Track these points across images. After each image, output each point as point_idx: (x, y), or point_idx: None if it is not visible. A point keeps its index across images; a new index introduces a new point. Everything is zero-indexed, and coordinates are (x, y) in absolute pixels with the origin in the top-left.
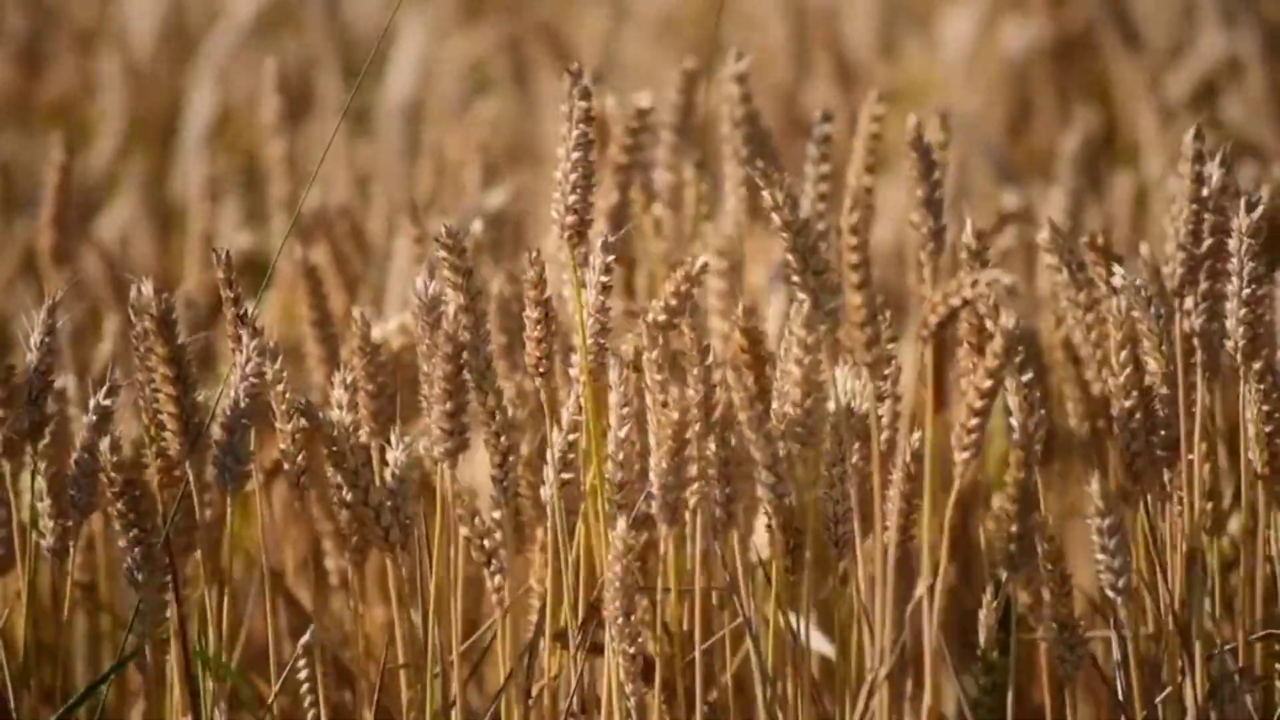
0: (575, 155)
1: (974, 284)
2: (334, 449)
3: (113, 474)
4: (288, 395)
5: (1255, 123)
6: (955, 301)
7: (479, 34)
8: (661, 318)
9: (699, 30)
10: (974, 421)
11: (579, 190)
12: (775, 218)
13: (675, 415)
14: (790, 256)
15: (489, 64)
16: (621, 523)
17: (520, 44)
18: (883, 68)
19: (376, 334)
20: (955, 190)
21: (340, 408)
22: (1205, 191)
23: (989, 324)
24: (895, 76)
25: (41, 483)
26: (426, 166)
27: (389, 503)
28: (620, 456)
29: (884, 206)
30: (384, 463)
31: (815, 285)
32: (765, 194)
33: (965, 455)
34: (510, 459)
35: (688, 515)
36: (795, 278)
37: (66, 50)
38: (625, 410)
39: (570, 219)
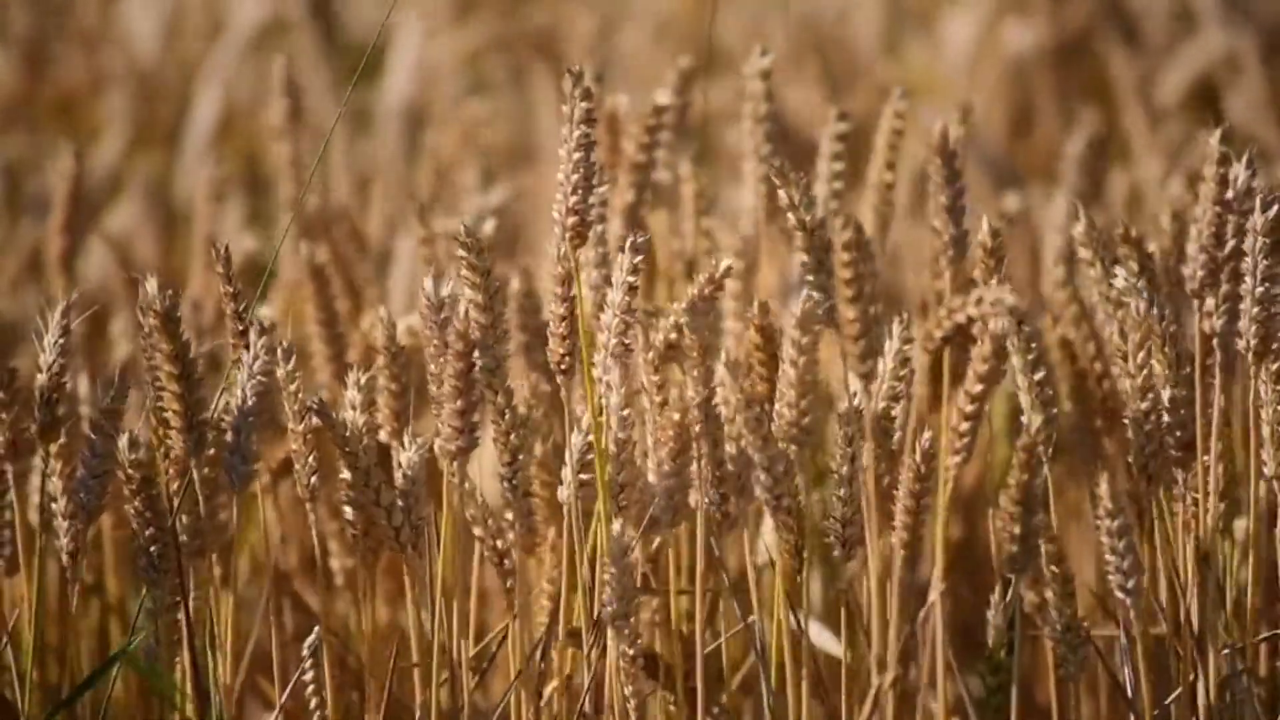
0: (576, 156)
1: (978, 302)
2: (346, 449)
3: (130, 471)
4: (299, 395)
5: (1254, 122)
6: (960, 318)
7: (474, 33)
8: (684, 319)
9: (695, 30)
10: (965, 425)
11: (580, 191)
12: (790, 217)
13: (676, 415)
14: (804, 257)
15: (484, 64)
16: (617, 524)
17: (515, 44)
18: (884, 68)
19: (383, 335)
20: None
21: (354, 408)
22: (1230, 193)
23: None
24: (897, 76)
25: (56, 484)
26: (426, 167)
27: (400, 503)
28: (621, 458)
29: None
30: (398, 463)
31: (828, 285)
32: (781, 193)
33: (956, 459)
34: (520, 458)
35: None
36: (808, 277)
37: (71, 52)
38: (625, 412)
39: (572, 220)
